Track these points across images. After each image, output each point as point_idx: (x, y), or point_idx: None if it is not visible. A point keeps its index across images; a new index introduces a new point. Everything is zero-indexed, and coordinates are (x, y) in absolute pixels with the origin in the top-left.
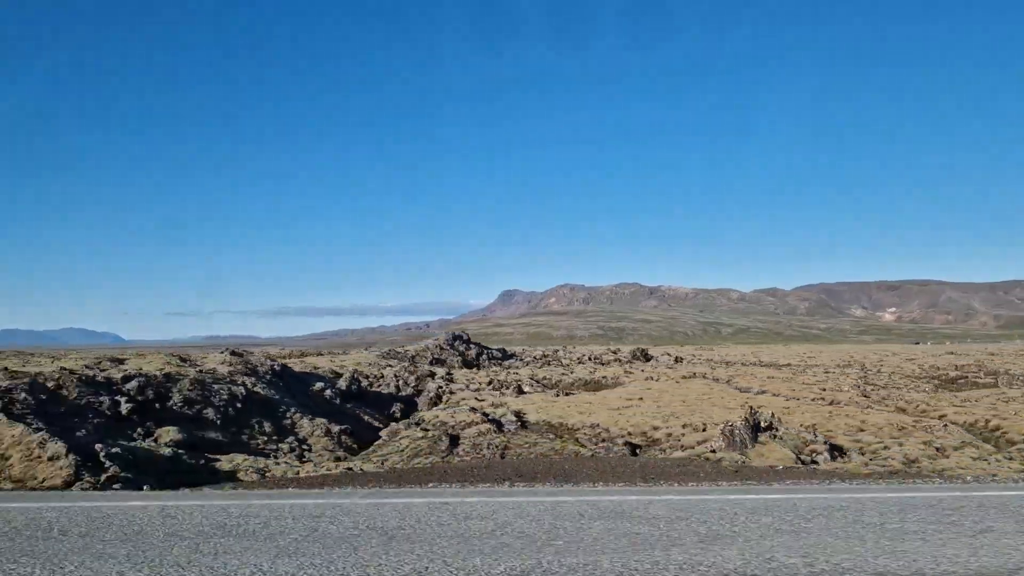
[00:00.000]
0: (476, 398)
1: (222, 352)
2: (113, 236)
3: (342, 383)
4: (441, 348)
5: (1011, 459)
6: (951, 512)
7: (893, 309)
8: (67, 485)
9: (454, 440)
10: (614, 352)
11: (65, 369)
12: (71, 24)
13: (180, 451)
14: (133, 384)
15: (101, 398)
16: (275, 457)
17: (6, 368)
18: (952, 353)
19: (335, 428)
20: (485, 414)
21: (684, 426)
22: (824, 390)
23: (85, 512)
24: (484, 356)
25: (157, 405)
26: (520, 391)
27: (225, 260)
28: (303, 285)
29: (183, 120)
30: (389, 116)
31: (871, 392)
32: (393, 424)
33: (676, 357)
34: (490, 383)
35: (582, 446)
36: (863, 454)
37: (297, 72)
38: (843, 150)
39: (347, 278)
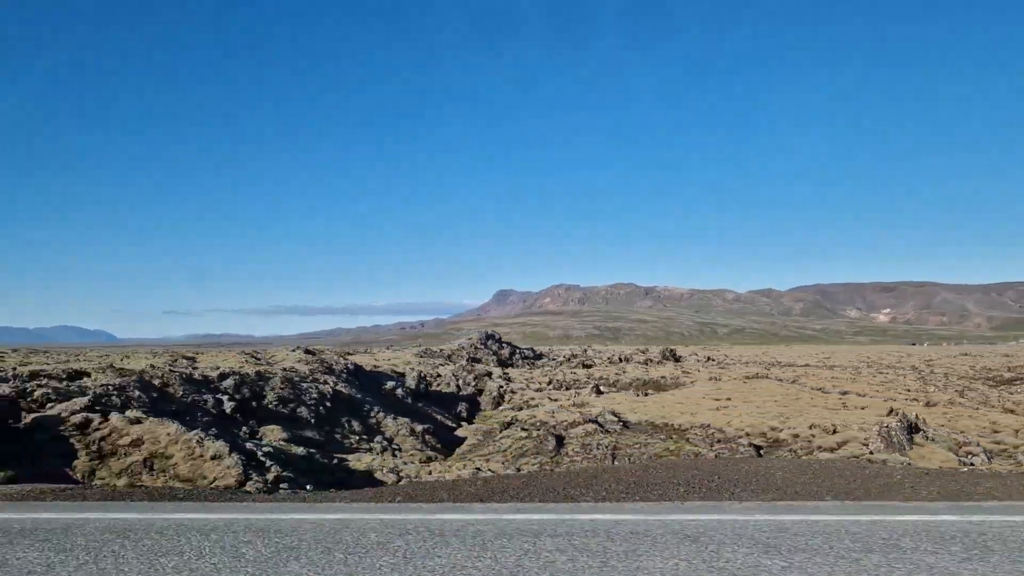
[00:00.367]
0: (549, 398)
1: (294, 350)
2: (106, 235)
3: (410, 382)
4: (476, 347)
5: None
6: None
7: (888, 310)
8: (240, 485)
9: (559, 440)
10: (643, 351)
11: (168, 368)
12: (71, 24)
13: (312, 451)
14: (229, 382)
15: (204, 396)
16: (380, 455)
17: (112, 365)
18: (1008, 356)
19: (419, 427)
20: (582, 413)
21: (811, 427)
22: (908, 390)
23: (396, 524)
24: (517, 355)
25: (254, 403)
26: (598, 391)
27: (218, 259)
28: (297, 284)
29: (181, 120)
30: (388, 116)
31: (955, 392)
32: (464, 424)
33: (708, 357)
34: (550, 382)
35: (696, 447)
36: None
37: (296, 72)
38: (840, 152)
39: (341, 277)
